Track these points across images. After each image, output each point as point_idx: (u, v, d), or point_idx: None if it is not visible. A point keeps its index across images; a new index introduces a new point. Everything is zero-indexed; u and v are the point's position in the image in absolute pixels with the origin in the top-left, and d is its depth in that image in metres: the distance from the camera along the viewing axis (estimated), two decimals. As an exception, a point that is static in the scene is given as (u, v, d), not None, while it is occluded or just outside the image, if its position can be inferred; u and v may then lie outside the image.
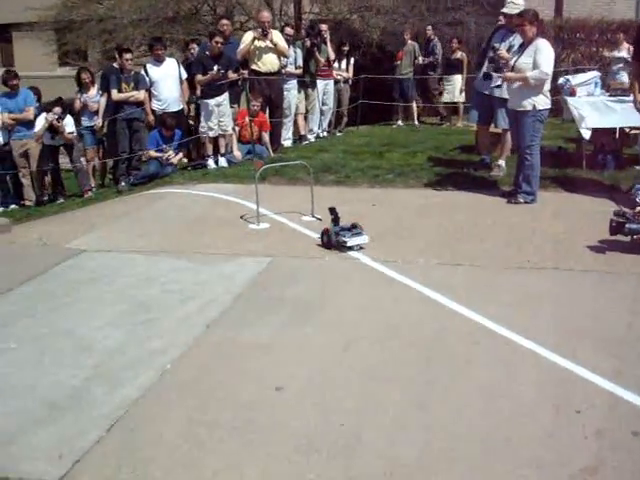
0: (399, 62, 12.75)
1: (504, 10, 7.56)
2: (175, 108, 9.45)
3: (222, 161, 8.92)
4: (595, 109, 7.63)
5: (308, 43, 10.37)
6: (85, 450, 3.05)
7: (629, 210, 5.50)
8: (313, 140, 10.85)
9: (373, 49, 14.29)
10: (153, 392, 3.52)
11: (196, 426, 3.22)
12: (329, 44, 11.03)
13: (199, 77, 8.69)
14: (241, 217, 6.65)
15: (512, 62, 6.76)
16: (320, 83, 10.95)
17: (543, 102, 6.71)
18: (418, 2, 14.31)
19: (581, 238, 5.70)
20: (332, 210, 5.65)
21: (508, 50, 7.23)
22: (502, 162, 7.88)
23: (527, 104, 6.61)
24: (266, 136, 9.35)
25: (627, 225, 5.26)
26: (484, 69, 7.32)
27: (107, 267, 5.43)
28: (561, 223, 6.21)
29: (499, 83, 6.98)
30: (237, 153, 9.11)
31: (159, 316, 4.43)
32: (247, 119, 9.10)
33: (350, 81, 12.17)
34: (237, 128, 9.26)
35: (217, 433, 3.16)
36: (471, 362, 3.77)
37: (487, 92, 7.66)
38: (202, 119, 8.90)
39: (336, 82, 11.52)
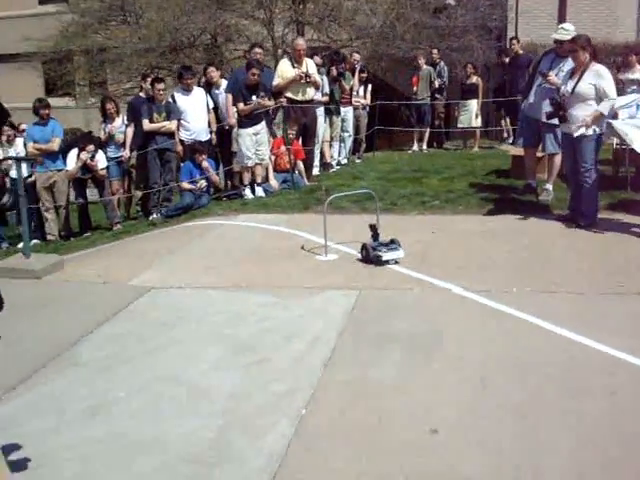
0: (415, 88, 12.71)
1: (555, 36, 7.50)
2: (203, 138, 9.24)
3: (259, 191, 8.71)
4: None
5: (335, 71, 10.27)
6: (254, 509, 2.81)
7: None
8: (337, 168, 10.71)
9: (383, 76, 14.26)
10: (300, 440, 3.28)
11: (365, 479, 3.00)
12: (357, 73, 10.97)
13: (241, 106, 8.49)
14: (302, 248, 6.46)
15: (569, 88, 6.69)
16: (340, 110, 10.84)
17: (601, 125, 6.67)
18: (425, 28, 14.33)
19: (661, 261, 5.62)
20: (372, 227, 6.01)
21: (557, 76, 7.22)
22: (550, 186, 7.79)
23: (590, 129, 6.54)
24: (301, 164, 9.17)
25: None
26: (545, 108, 7.18)
27: (187, 305, 5.18)
28: (632, 246, 6.11)
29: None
30: (274, 182, 8.91)
31: (268, 356, 4.18)
32: (283, 148, 8.94)
33: (367, 108, 12.09)
34: (273, 157, 9.06)
35: (391, 485, 2.94)
36: (617, 394, 3.60)
37: (535, 117, 7.59)
38: (239, 148, 8.70)
39: (354, 109, 11.42)
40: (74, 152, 8.94)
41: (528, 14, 15.00)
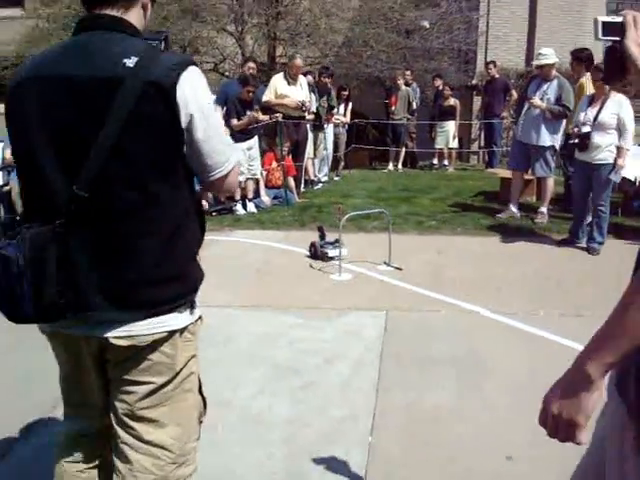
0: (393, 107, 12.77)
1: (534, 63, 7.90)
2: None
3: (251, 206, 8.53)
4: (632, 158, 7.76)
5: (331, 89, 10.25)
6: None
7: None
8: (320, 185, 10.62)
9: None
10: (377, 470, 3.14)
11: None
12: (333, 90, 10.99)
13: (234, 122, 8.30)
14: (310, 266, 6.35)
15: (590, 116, 6.67)
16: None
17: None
18: (399, 49, 14.44)
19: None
20: (320, 228, 6.82)
21: (542, 99, 7.48)
22: (544, 209, 7.89)
23: (610, 157, 6.60)
24: (291, 181, 9.03)
25: None
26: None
27: (209, 324, 4.94)
28: None
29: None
30: (266, 198, 8.75)
31: (314, 380, 4.04)
32: (275, 164, 8.80)
33: (347, 126, 12.06)
34: (264, 173, 8.91)
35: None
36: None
37: (525, 141, 7.74)
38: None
39: (334, 126, 11.37)
40: None
41: (498, 39, 15.31)
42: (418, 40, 14.40)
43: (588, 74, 7.60)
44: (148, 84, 1.76)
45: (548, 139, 7.56)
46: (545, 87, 7.63)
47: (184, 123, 1.81)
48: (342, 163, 12.19)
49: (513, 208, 8.17)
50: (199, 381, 2.27)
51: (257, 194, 8.77)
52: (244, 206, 8.52)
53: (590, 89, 7.29)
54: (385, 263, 6.32)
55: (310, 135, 9.78)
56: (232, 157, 1.99)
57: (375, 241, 7.08)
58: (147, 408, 2.05)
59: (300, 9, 14.62)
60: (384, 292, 5.62)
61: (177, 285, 2.00)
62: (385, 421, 3.57)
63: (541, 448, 3.29)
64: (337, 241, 6.50)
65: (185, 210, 1.97)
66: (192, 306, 2.11)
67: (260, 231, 7.71)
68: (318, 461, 3.22)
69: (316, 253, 6.58)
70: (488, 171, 11.12)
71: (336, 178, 11.77)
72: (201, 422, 2.36)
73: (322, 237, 6.69)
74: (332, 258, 6.43)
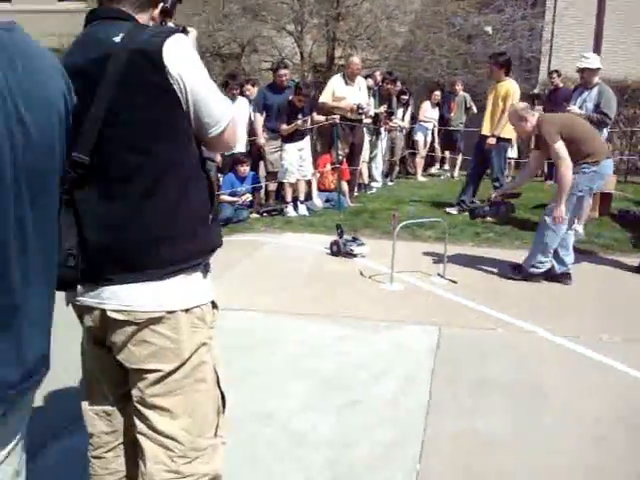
0: (452, 114, 12.48)
1: (577, 65, 7.73)
2: (243, 149, 8.92)
3: (302, 208, 8.37)
4: None
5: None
6: None
7: None
8: (374, 190, 10.40)
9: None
10: (424, 503, 2.93)
11: None
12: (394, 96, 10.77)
13: (284, 127, 8.16)
14: (361, 274, 6.15)
15: None
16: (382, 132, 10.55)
17: None
18: (460, 55, 14.10)
19: None
20: (338, 226, 6.94)
21: (581, 107, 7.46)
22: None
23: None
24: (345, 185, 8.84)
25: None
26: None
27: (253, 331, 4.82)
28: None
29: None
30: (318, 201, 8.58)
31: (360, 397, 3.83)
32: (329, 166, 8.63)
33: (404, 130, 11.81)
34: (317, 175, 8.75)
35: None
36: None
37: None
38: (283, 163, 8.38)
39: (390, 131, 11.13)
40: None
41: (562, 48, 14.86)
42: (480, 46, 14.04)
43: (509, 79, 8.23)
44: (133, 52, 1.84)
45: None
46: (586, 94, 7.51)
47: (176, 84, 1.87)
48: (397, 168, 11.94)
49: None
50: (216, 374, 2.17)
51: (309, 196, 8.61)
52: (295, 208, 8.37)
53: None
54: (439, 275, 6.08)
55: (366, 139, 9.56)
56: (227, 113, 2.01)
57: (429, 251, 6.87)
58: (158, 396, 2.03)
59: (361, 11, 14.42)
60: (437, 306, 5.38)
61: (186, 244, 2.01)
62: (434, 448, 3.34)
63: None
64: (355, 239, 6.82)
65: (190, 170, 2.01)
66: (205, 272, 2.10)
67: (311, 234, 7.54)
68: (362, 487, 3.02)
69: (339, 250, 6.69)
70: (548, 183, 10.73)
71: (390, 183, 11.53)
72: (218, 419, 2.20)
73: (341, 235, 6.79)
74: (356, 255, 6.63)
